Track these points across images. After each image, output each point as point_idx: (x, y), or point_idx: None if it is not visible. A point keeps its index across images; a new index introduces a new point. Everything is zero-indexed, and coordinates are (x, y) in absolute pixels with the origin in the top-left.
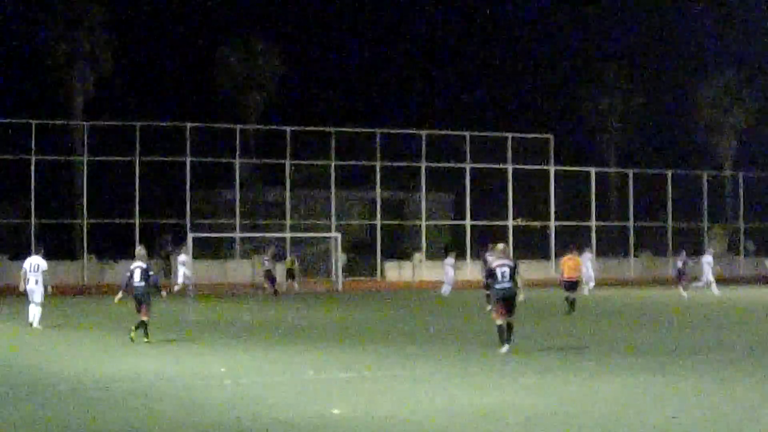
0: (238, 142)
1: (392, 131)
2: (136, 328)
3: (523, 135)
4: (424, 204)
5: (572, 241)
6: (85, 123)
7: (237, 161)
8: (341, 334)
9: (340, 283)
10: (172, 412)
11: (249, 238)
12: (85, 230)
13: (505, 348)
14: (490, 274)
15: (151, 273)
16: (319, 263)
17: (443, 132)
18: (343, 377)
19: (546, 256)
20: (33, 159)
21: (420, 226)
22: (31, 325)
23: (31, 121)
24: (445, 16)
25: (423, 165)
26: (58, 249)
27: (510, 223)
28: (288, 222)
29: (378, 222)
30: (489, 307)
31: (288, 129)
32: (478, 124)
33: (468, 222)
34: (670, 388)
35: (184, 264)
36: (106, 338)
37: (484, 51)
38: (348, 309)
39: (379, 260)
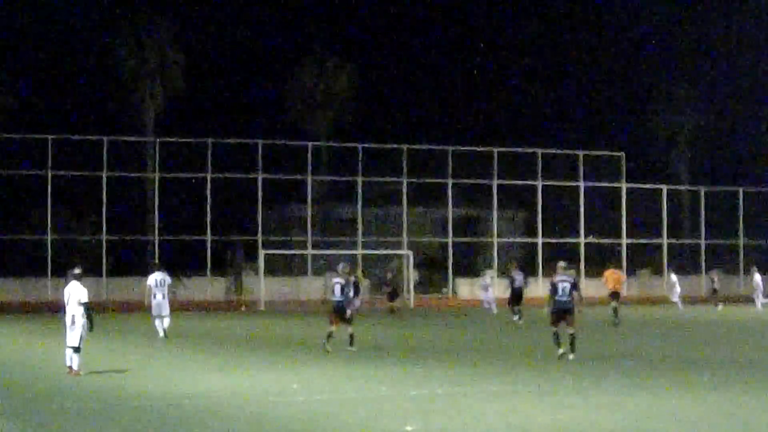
0: (310, 158)
1: (464, 148)
2: (328, 338)
3: (594, 152)
4: (495, 221)
5: (642, 258)
6: (156, 139)
7: (309, 178)
8: (414, 351)
9: (412, 301)
10: (244, 428)
11: (320, 254)
12: (156, 246)
13: (561, 351)
14: (553, 288)
15: (350, 288)
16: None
17: (515, 149)
18: (417, 394)
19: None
20: (104, 175)
21: (492, 243)
22: (165, 337)
23: (102, 137)
24: (517, 34)
25: (495, 182)
26: (129, 265)
27: (582, 240)
28: (360, 239)
29: (450, 239)
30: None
31: (360, 146)
32: (550, 142)
33: (540, 239)
34: (742, 404)
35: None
36: (180, 354)
37: (557, 68)
38: (420, 326)
39: (450, 277)
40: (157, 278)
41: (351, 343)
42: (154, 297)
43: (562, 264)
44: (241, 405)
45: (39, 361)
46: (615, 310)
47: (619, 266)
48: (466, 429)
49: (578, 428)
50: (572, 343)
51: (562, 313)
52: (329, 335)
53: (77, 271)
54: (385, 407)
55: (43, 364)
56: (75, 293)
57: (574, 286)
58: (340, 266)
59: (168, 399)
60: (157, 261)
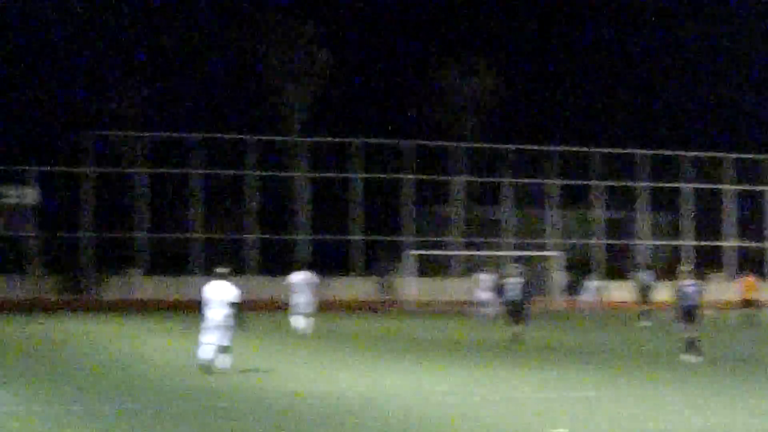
0: (457, 160)
1: (612, 150)
2: (514, 338)
3: (743, 155)
4: (644, 223)
5: None
6: (303, 139)
7: (456, 179)
8: (560, 353)
9: (561, 303)
10: (393, 427)
11: (467, 255)
12: (305, 246)
13: (694, 358)
14: (681, 293)
15: (528, 288)
16: (538, 282)
17: (663, 152)
18: (563, 396)
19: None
20: (252, 174)
21: (639, 245)
22: (306, 334)
23: (249, 136)
24: (666, 36)
25: (642, 184)
26: (277, 264)
27: (731, 243)
28: (507, 240)
29: (597, 241)
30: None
31: (507, 147)
32: (698, 145)
33: (686, 242)
34: None
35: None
36: (325, 354)
37: (704, 70)
38: (568, 329)
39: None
40: (300, 278)
41: (518, 340)
42: (298, 296)
43: (686, 268)
44: (389, 402)
45: (181, 358)
46: (748, 317)
47: (756, 272)
48: None
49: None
50: (694, 346)
51: (689, 313)
52: (515, 334)
53: (223, 270)
54: (532, 409)
55: (184, 362)
56: (223, 293)
57: (700, 290)
58: (513, 267)
59: (313, 398)
60: (301, 261)
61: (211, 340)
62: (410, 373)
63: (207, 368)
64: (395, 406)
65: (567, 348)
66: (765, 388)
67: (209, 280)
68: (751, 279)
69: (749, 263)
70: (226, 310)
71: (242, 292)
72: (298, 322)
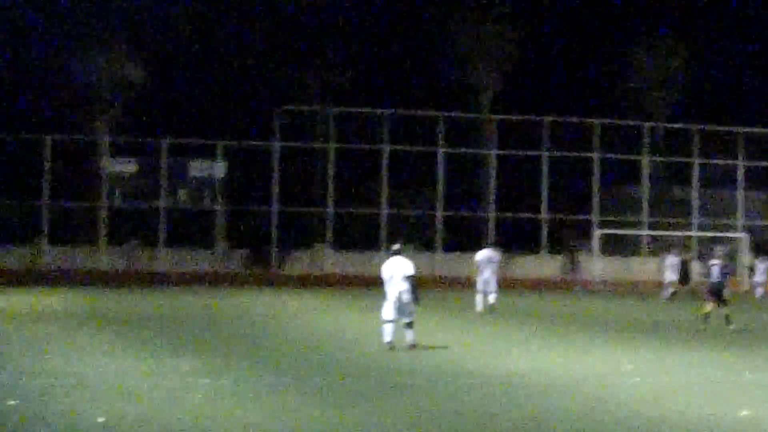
0: (646, 139)
1: None
2: (705, 317)
3: None
4: None
5: None
6: (493, 117)
7: (645, 159)
8: (743, 334)
9: (748, 285)
10: (578, 408)
11: (654, 235)
12: (492, 223)
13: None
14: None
15: (728, 270)
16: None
17: None
18: (752, 379)
19: None
20: (440, 151)
21: None
22: (491, 311)
23: (438, 113)
24: None
25: None
26: (464, 241)
27: None
28: (695, 221)
29: None
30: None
31: (696, 127)
32: None
33: None
34: None
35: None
36: (509, 332)
37: None
38: (758, 312)
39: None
40: (486, 255)
41: (728, 323)
42: (482, 273)
43: (718, 248)
44: (575, 383)
45: (365, 334)
46: None
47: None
48: None
49: None
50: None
51: (713, 293)
52: (706, 315)
53: (397, 246)
54: (719, 391)
55: (368, 338)
56: (400, 268)
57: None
58: (718, 249)
59: (496, 376)
60: (491, 239)
61: (391, 317)
62: (596, 354)
63: (391, 345)
64: (581, 388)
65: (749, 330)
66: None
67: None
68: None
69: None
70: (404, 286)
71: (427, 270)
72: (482, 299)
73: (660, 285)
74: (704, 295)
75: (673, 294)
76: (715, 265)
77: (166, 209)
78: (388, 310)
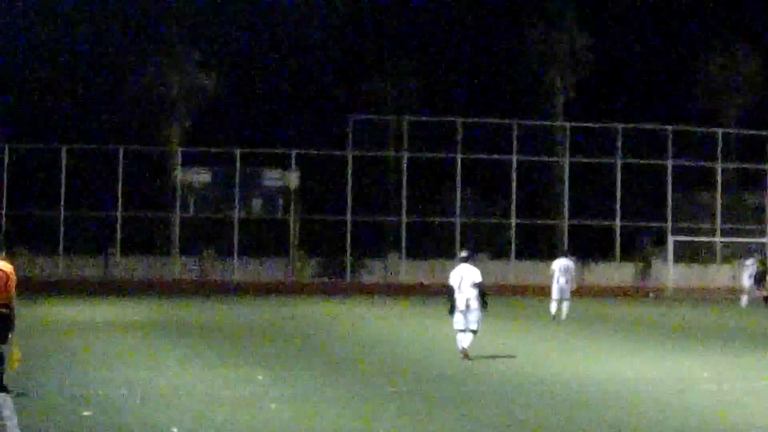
0: (719, 145)
1: None
2: None
3: None
4: None
5: None
6: (566, 123)
7: (718, 165)
8: None
9: None
10: (652, 414)
11: (729, 242)
12: (566, 231)
13: None
14: None
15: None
16: None
17: None
18: None
19: None
20: (515, 159)
21: None
22: (564, 319)
23: (513, 121)
24: None
25: None
26: (537, 249)
27: None
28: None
29: None
30: None
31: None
32: None
33: None
34: None
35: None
36: (581, 338)
37: None
38: None
39: None
40: (562, 263)
41: None
42: (557, 281)
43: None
44: (650, 391)
45: (438, 342)
46: None
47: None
48: None
49: None
50: None
51: None
52: None
53: (465, 254)
54: None
55: (437, 346)
56: (468, 275)
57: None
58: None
59: (571, 384)
60: (565, 247)
61: (462, 326)
62: (671, 361)
63: (464, 353)
64: (656, 395)
65: None
66: None
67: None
68: None
69: None
70: (472, 293)
71: (501, 277)
72: (556, 307)
73: (735, 292)
74: None
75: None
76: None
77: (240, 219)
78: (458, 319)
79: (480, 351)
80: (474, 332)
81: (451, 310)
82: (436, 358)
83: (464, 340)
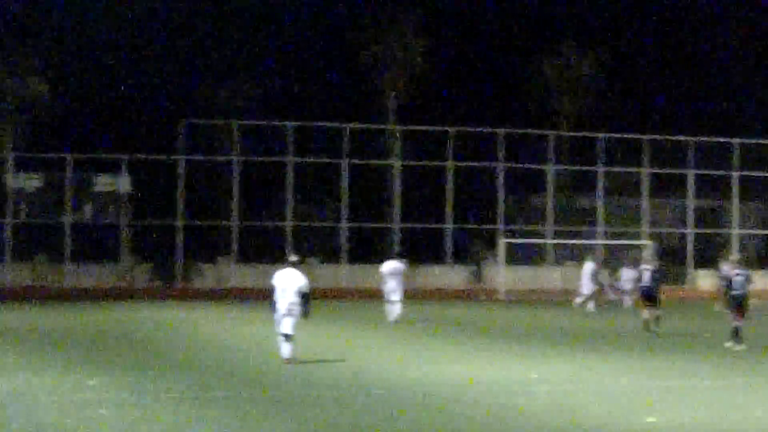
0: (551, 148)
1: (706, 139)
2: (646, 324)
3: None
4: (736, 213)
5: None
6: (398, 127)
7: (550, 167)
8: (649, 342)
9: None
10: (485, 418)
11: (561, 244)
12: (397, 234)
13: (742, 346)
14: (729, 282)
15: (659, 275)
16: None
17: (757, 141)
18: (656, 385)
19: None
20: (346, 162)
21: (731, 234)
22: (397, 321)
23: (344, 125)
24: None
25: (736, 173)
26: (368, 252)
27: None
28: (600, 229)
29: (689, 230)
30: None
31: (600, 135)
32: None
33: None
34: None
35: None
36: (416, 342)
37: None
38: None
39: (690, 269)
40: (391, 266)
41: (657, 324)
42: (388, 284)
43: (734, 258)
44: (481, 393)
45: (266, 346)
46: None
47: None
48: (710, 422)
49: None
50: (737, 335)
51: (739, 304)
52: (646, 322)
53: (294, 258)
54: (626, 398)
55: (268, 350)
56: (294, 281)
57: (747, 279)
58: (648, 253)
59: (401, 387)
60: (395, 250)
61: (284, 329)
62: (502, 363)
63: (286, 360)
64: (487, 397)
65: (661, 336)
66: None
67: (283, 268)
68: None
69: None
70: (294, 299)
71: (333, 281)
72: (390, 309)
73: (567, 293)
74: (639, 300)
75: (585, 301)
76: (647, 270)
77: (72, 224)
78: (277, 324)
79: (311, 354)
80: (286, 337)
81: (274, 309)
82: (270, 362)
83: (283, 348)
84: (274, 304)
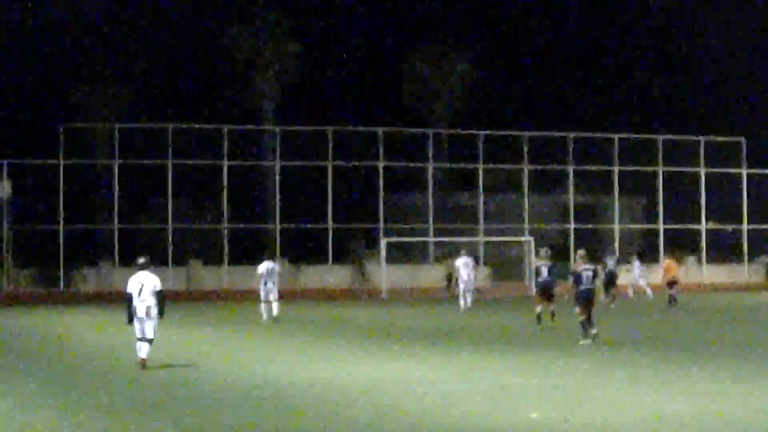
0: (430, 146)
1: (584, 135)
2: (539, 318)
3: (715, 138)
4: (617, 208)
5: (765, 245)
6: (277, 128)
7: (430, 165)
8: (534, 338)
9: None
10: (367, 417)
11: (442, 242)
12: (278, 235)
13: (587, 341)
14: (577, 277)
15: (555, 269)
16: (512, 268)
17: (635, 136)
18: (539, 382)
19: (739, 260)
20: (225, 164)
21: (612, 230)
22: (275, 320)
23: (222, 126)
24: (637, 18)
25: (616, 168)
26: (250, 253)
27: (702, 226)
28: (481, 226)
29: (571, 225)
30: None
31: (481, 133)
32: (670, 128)
33: (661, 226)
34: None
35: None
36: (297, 342)
37: (676, 53)
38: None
39: (573, 264)
40: (267, 266)
41: (553, 319)
42: (265, 284)
43: (581, 252)
44: (362, 393)
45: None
46: (672, 297)
47: (674, 255)
48: (591, 418)
49: (703, 417)
50: (591, 326)
51: (588, 300)
52: (539, 316)
53: (143, 260)
54: (509, 395)
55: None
56: (148, 283)
57: (595, 273)
58: (543, 250)
59: (280, 387)
60: (265, 250)
61: (140, 333)
62: (384, 362)
63: (143, 363)
64: (369, 397)
65: (545, 332)
66: (752, 376)
67: (142, 273)
68: (669, 261)
69: (725, 247)
70: (150, 302)
71: (215, 282)
72: (266, 309)
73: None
74: (535, 294)
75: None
76: (544, 265)
77: None
78: (137, 327)
79: (186, 356)
80: (150, 341)
81: (130, 319)
82: (150, 366)
83: (142, 350)
84: (133, 310)
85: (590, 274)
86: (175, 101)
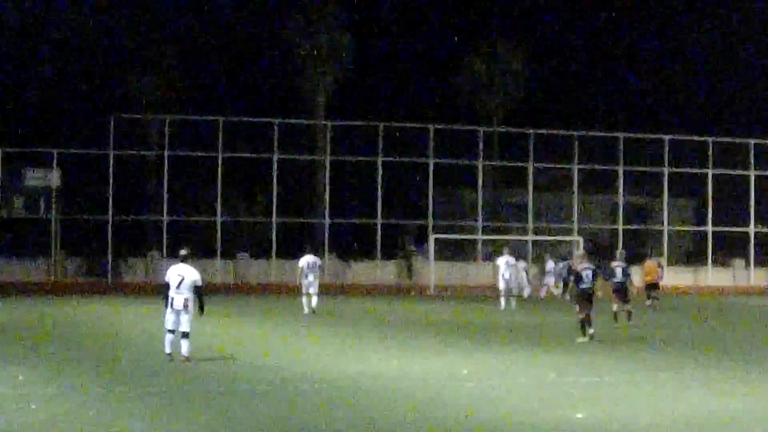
0: (481, 144)
1: (635, 135)
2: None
3: (765, 141)
4: (666, 209)
5: None
6: (327, 122)
7: (480, 163)
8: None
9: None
10: (412, 412)
11: (491, 240)
12: (327, 230)
13: (584, 338)
14: (577, 276)
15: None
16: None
17: (686, 137)
18: (585, 381)
19: None
20: (276, 157)
21: (661, 231)
22: (313, 312)
23: (273, 120)
24: (694, 17)
25: (666, 170)
26: (299, 248)
27: (751, 229)
28: (530, 225)
29: (620, 226)
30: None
31: (531, 132)
32: (721, 130)
33: (710, 228)
34: None
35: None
36: (345, 337)
37: (727, 52)
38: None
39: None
40: (308, 260)
41: (629, 319)
42: (306, 277)
43: (581, 252)
44: (409, 388)
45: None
46: (651, 297)
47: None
48: (635, 417)
49: (747, 417)
50: (589, 325)
51: (587, 298)
52: (615, 315)
53: (184, 252)
54: (555, 393)
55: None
56: (188, 276)
57: (595, 272)
58: (619, 252)
59: (330, 381)
60: (310, 244)
61: (171, 325)
62: (431, 358)
63: (170, 356)
64: (416, 392)
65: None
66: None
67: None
68: (650, 263)
69: None
70: (188, 295)
71: (263, 275)
72: (308, 302)
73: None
74: (611, 295)
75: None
76: (618, 266)
77: (1, 218)
78: (170, 319)
79: (237, 348)
80: (185, 334)
81: (168, 305)
82: (196, 358)
83: (182, 347)
84: (170, 301)
85: (590, 273)
86: (227, 93)
